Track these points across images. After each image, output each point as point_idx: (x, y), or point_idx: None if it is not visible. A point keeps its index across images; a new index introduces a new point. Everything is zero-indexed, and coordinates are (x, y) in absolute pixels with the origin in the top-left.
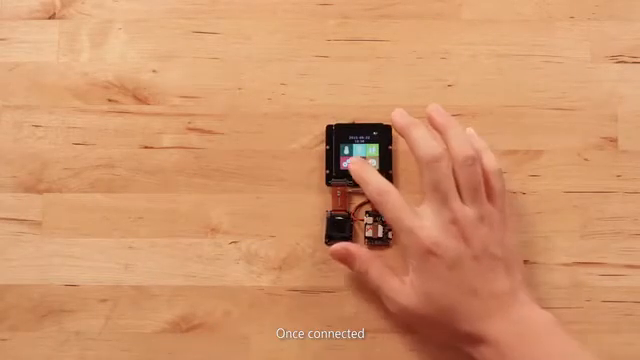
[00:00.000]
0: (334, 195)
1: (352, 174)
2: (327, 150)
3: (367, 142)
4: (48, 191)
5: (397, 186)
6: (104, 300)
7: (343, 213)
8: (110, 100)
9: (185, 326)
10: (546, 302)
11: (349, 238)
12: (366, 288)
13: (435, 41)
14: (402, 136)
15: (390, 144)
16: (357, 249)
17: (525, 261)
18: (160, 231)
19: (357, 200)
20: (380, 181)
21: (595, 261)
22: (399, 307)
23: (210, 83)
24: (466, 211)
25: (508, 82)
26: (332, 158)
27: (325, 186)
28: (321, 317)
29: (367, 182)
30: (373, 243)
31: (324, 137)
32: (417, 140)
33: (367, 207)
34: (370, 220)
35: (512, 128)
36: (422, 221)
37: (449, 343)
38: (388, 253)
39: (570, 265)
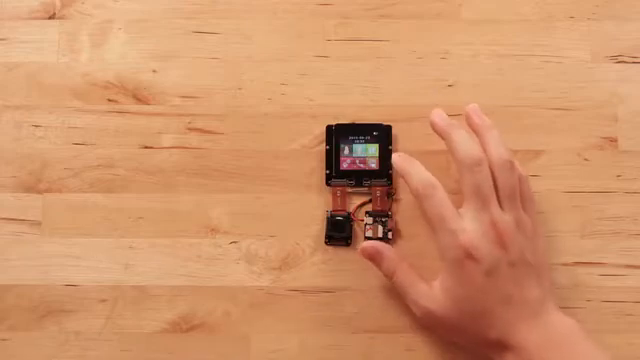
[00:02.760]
0: (334, 195)
1: (395, 166)
2: (327, 150)
3: (367, 142)
4: (48, 191)
5: (397, 186)
6: (104, 300)
7: (343, 213)
8: (110, 100)
9: (185, 326)
10: None
11: (349, 238)
12: (366, 288)
13: (435, 41)
14: (442, 138)
15: (390, 144)
16: (386, 249)
17: None
18: (160, 231)
19: (357, 200)
20: (427, 175)
21: (595, 261)
22: (426, 311)
23: (210, 83)
24: (505, 216)
25: (508, 82)
26: (332, 158)
27: (325, 186)
28: (321, 317)
29: (411, 174)
30: None
31: (324, 137)
32: (458, 143)
33: (367, 207)
34: (370, 220)
35: (512, 128)
36: (464, 224)
37: (473, 348)
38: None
39: (570, 265)
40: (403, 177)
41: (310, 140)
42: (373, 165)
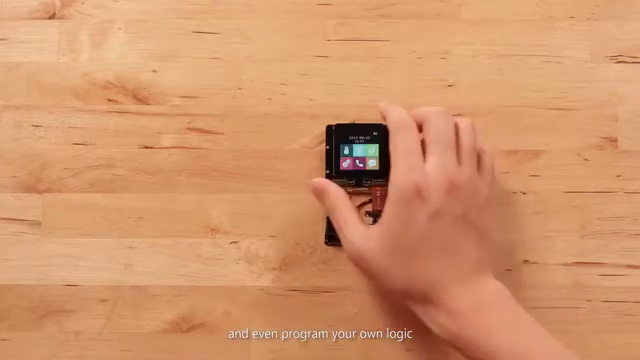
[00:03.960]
0: None
1: (379, 108)
2: (327, 150)
3: (367, 142)
4: (48, 191)
5: None
6: (104, 300)
7: None
8: (110, 100)
9: (185, 326)
10: (546, 302)
11: None
12: (366, 288)
13: (435, 41)
14: (387, 113)
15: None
16: (333, 187)
17: (525, 261)
18: (160, 231)
19: (357, 200)
20: (406, 115)
21: (595, 261)
22: (355, 248)
23: (210, 83)
24: (460, 169)
25: (508, 82)
26: (332, 158)
27: None
28: (321, 317)
29: (391, 111)
30: None
31: (324, 137)
32: (418, 109)
33: (367, 207)
34: (370, 220)
35: (512, 128)
36: (424, 166)
37: (397, 298)
38: None
39: (570, 265)
40: (384, 115)
41: (310, 140)
42: (373, 165)
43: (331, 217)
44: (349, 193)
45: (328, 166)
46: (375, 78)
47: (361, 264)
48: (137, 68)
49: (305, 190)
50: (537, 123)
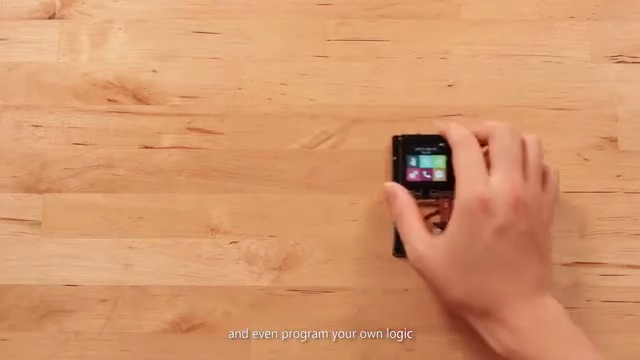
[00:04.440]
0: None
1: (437, 127)
2: (394, 161)
3: (434, 153)
4: (48, 191)
5: None
6: (104, 300)
7: None
8: (110, 100)
9: (185, 326)
10: None
11: None
12: (366, 288)
13: (435, 41)
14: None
15: None
16: (402, 192)
17: None
18: (160, 231)
19: (424, 212)
20: (466, 132)
21: (595, 261)
22: (418, 256)
23: (210, 83)
24: (526, 185)
25: (508, 82)
26: (399, 170)
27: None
28: (321, 317)
29: (452, 128)
30: None
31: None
32: (483, 122)
33: (435, 218)
34: (438, 232)
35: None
36: (490, 179)
37: (455, 309)
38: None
39: (570, 265)
40: (444, 133)
41: (310, 140)
42: (440, 176)
43: (397, 223)
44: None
45: (395, 178)
46: (375, 78)
47: (424, 272)
48: (137, 68)
49: (305, 190)
50: (537, 123)
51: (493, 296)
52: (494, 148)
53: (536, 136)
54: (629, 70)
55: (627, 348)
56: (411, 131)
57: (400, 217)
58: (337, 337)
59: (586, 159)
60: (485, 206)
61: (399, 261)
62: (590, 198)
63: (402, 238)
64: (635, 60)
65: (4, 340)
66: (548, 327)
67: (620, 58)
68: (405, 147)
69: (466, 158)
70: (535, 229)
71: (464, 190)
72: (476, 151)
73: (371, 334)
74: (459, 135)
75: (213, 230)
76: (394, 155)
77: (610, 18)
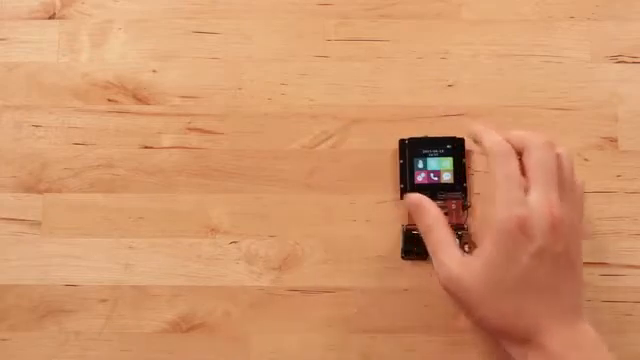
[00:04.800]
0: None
1: (470, 131)
2: (401, 164)
3: (441, 155)
4: (48, 191)
5: (472, 199)
6: (104, 300)
7: None
8: (110, 100)
9: (185, 326)
10: None
11: (425, 252)
12: (366, 288)
13: (435, 41)
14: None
15: (464, 157)
16: (430, 204)
17: None
18: (160, 231)
19: None
20: (503, 142)
21: (595, 261)
22: (452, 275)
23: (210, 83)
24: (563, 204)
25: (508, 82)
26: (406, 172)
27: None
28: (321, 317)
29: (485, 133)
30: None
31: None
32: (517, 132)
33: None
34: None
35: (512, 128)
36: (527, 199)
37: (487, 330)
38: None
39: None
40: (478, 140)
41: (310, 140)
42: (448, 178)
43: (425, 238)
44: None
45: (402, 180)
46: (375, 78)
47: (456, 291)
48: (137, 68)
49: (305, 190)
50: (537, 123)
51: (530, 320)
52: (531, 162)
53: (567, 149)
54: (629, 70)
55: (627, 348)
56: (411, 131)
57: (429, 232)
58: (337, 337)
59: (586, 159)
60: (524, 228)
61: (399, 261)
62: (590, 198)
63: (431, 254)
64: (635, 60)
65: (4, 340)
66: (587, 353)
67: (620, 58)
68: (412, 150)
69: (505, 172)
70: (571, 248)
71: (503, 210)
72: (515, 165)
73: (371, 334)
74: (497, 144)
75: (213, 230)
76: (401, 158)
77: (610, 18)
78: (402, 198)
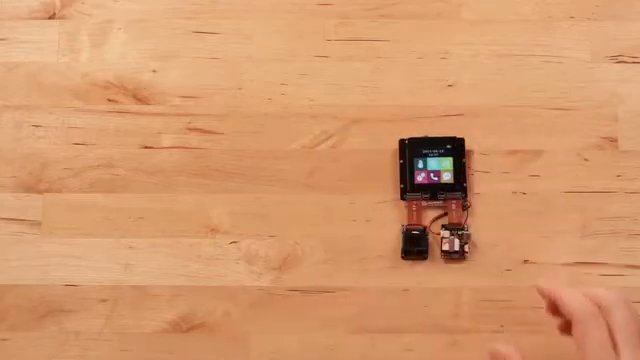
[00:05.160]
0: (409, 209)
1: (543, 290)
2: (401, 164)
3: (441, 155)
4: (48, 191)
5: (471, 198)
6: (104, 300)
7: (419, 227)
8: (110, 100)
9: (185, 326)
10: None
11: (425, 252)
12: (366, 288)
13: (435, 41)
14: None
15: (464, 157)
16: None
17: (525, 261)
18: (160, 231)
19: (432, 214)
20: (589, 304)
21: (595, 261)
22: None
23: (210, 83)
24: None
25: (508, 82)
26: (406, 172)
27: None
28: (321, 317)
29: (570, 300)
30: (450, 257)
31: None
32: (594, 290)
33: (443, 220)
34: (447, 234)
35: (512, 128)
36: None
37: None
38: None
39: (570, 265)
40: (554, 297)
41: (310, 140)
42: (448, 178)
43: None
44: (423, 207)
45: (402, 180)
46: (375, 78)
47: None
48: (137, 68)
49: (305, 190)
50: (537, 123)
51: None
52: (616, 323)
53: (623, 308)
54: (629, 70)
55: None
56: (411, 131)
57: None
58: (337, 337)
59: (586, 159)
60: None
61: (399, 261)
62: (590, 198)
63: None
64: (635, 60)
65: (4, 340)
66: None
67: (620, 58)
68: (412, 150)
69: (597, 337)
70: None
71: None
72: (605, 331)
73: (371, 334)
74: (584, 307)
75: (213, 230)
76: (401, 158)
77: (610, 18)
78: (402, 198)
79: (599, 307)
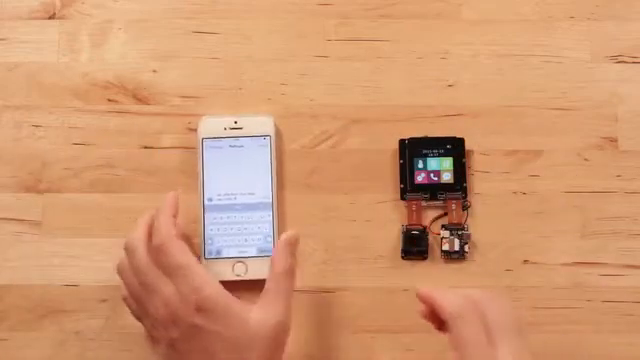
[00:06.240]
0: (409, 209)
1: (420, 295)
2: (401, 164)
3: (440, 155)
4: (48, 191)
5: (472, 199)
6: (104, 300)
7: (419, 227)
8: (110, 100)
9: None
10: (546, 302)
11: (425, 252)
12: (366, 288)
13: (435, 41)
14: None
15: (464, 157)
16: None
17: (525, 261)
18: None
19: (432, 214)
20: (463, 300)
21: (595, 261)
22: None
23: (210, 83)
24: (524, 353)
25: (508, 82)
26: (406, 172)
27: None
28: (321, 317)
29: (441, 299)
30: (450, 257)
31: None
32: (461, 291)
33: (443, 220)
34: (447, 234)
35: (512, 128)
36: (495, 352)
37: None
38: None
39: (570, 265)
40: (429, 303)
41: (310, 140)
42: (448, 178)
43: None
44: (423, 207)
45: (402, 180)
46: (375, 78)
47: None
48: (137, 68)
49: (305, 190)
50: (537, 123)
51: None
52: (491, 318)
53: (499, 300)
54: (629, 70)
55: (627, 348)
56: (411, 131)
57: None
58: (337, 337)
59: (586, 159)
60: None
61: (399, 261)
62: (590, 198)
63: None
64: (635, 60)
65: (4, 340)
66: None
67: (620, 58)
68: (412, 150)
69: (473, 333)
70: None
71: None
72: (481, 325)
73: (371, 334)
74: (458, 305)
75: None
76: (401, 158)
77: (610, 18)
78: (402, 198)
79: (474, 305)
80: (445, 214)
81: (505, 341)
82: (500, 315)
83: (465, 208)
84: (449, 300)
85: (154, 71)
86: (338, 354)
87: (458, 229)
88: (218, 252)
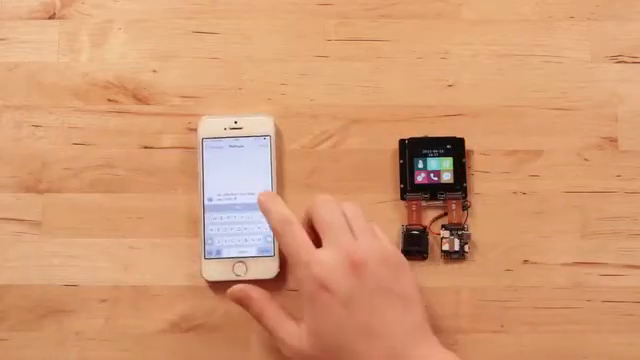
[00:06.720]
0: (409, 209)
1: (259, 204)
2: (401, 164)
3: (441, 155)
4: (48, 191)
5: (472, 198)
6: (104, 300)
7: (418, 227)
8: (110, 100)
9: (185, 326)
10: (546, 302)
11: (425, 252)
12: None
13: (435, 41)
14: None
15: (464, 157)
16: (254, 291)
17: (525, 261)
18: (160, 231)
19: (432, 214)
20: (285, 211)
21: (595, 261)
22: (293, 351)
23: (210, 83)
24: (358, 243)
25: (508, 82)
26: (406, 172)
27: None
28: None
29: (271, 212)
30: (450, 257)
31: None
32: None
33: (443, 220)
34: (447, 234)
35: (512, 128)
36: (319, 256)
37: None
38: None
39: (570, 265)
40: (264, 215)
41: (310, 140)
42: (448, 178)
43: (260, 322)
44: (423, 207)
45: (402, 180)
46: (375, 78)
47: None
48: (137, 68)
49: (305, 190)
50: (537, 123)
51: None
52: (317, 223)
53: (353, 202)
54: (629, 70)
55: (627, 348)
56: (411, 131)
57: (261, 317)
58: None
59: (586, 159)
60: (323, 285)
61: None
62: (590, 198)
63: (270, 335)
64: (635, 60)
65: (4, 340)
66: None
67: (620, 58)
68: (412, 150)
69: (292, 243)
70: (386, 283)
71: (300, 277)
72: (300, 232)
73: None
74: (280, 214)
75: None
76: (401, 158)
77: (610, 18)
78: (402, 198)
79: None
80: (445, 214)
81: (329, 239)
82: (323, 220)
83: (465, 208)
84: (274, 207)
85: (154, 71)
86: None
87: (458, 229)
88: (218, 252)
